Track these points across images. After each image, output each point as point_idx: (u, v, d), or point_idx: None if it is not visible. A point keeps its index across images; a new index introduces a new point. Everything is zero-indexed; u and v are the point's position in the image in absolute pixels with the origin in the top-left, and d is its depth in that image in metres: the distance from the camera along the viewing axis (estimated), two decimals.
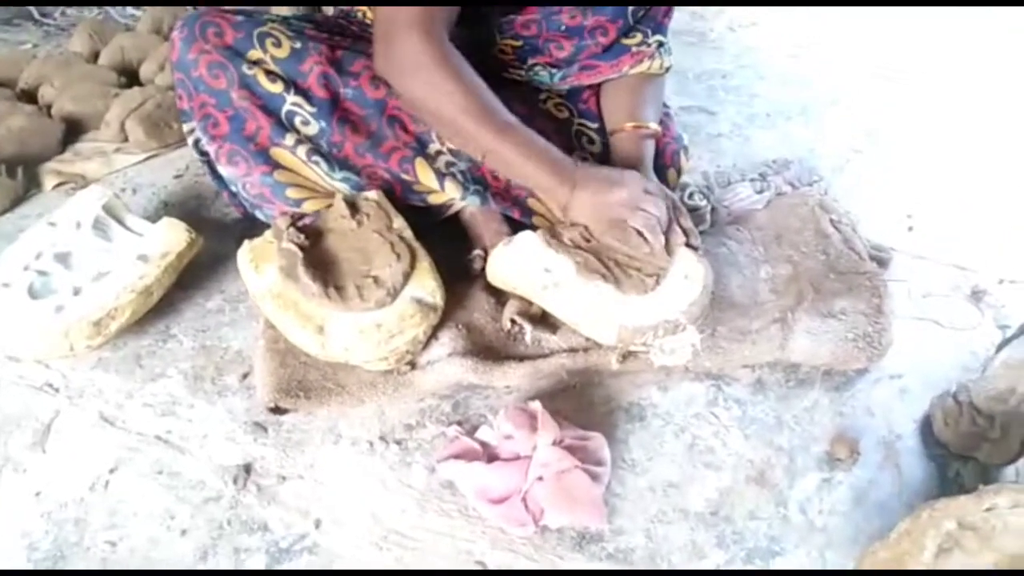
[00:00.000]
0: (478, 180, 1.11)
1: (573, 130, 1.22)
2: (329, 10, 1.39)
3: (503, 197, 1.12)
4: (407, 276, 1.00)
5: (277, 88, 1.05)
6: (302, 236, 1.03)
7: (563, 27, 1.13)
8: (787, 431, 0.98)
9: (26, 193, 1.33)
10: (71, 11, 2.06)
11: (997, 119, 1.71)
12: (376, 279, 0.98)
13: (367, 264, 1.01)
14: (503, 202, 1.12)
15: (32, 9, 2.05)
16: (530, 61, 1.18)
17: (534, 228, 1.10)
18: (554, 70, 1.19)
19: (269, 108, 1.06)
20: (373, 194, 1.11)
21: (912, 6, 2.20)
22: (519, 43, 1.15)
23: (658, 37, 1.19)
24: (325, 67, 1.06)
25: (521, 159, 1.01)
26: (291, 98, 1.05)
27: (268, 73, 1.05)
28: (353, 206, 1.08)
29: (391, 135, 1.09)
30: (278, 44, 1.06)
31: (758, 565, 0.83)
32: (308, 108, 1.06)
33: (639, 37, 1.18)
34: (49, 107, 1.50)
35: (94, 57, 1.71)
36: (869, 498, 0.90)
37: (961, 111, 1.74)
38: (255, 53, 1.05)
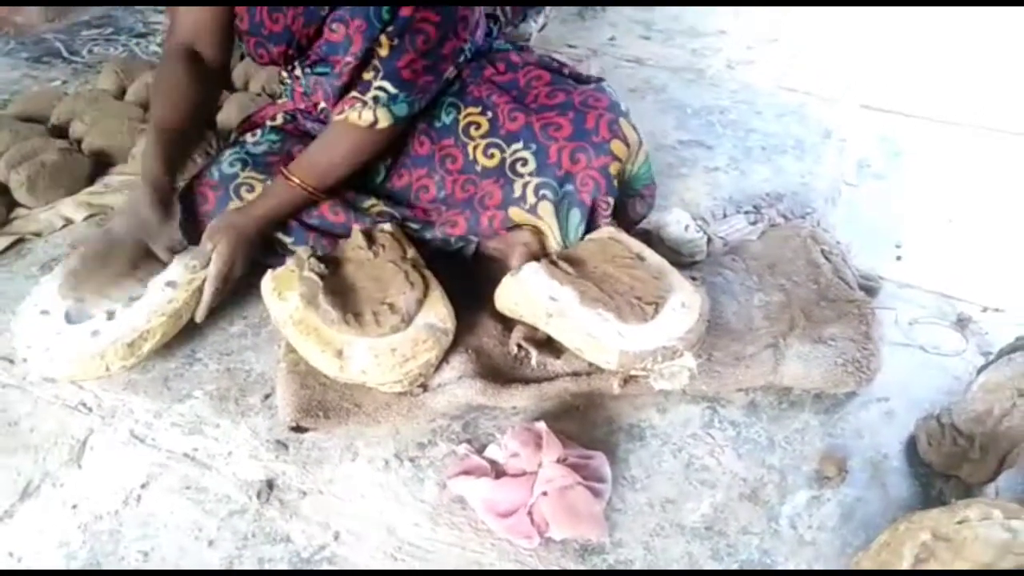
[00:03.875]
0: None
1: (507, 167, 1.21)
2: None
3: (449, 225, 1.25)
4: (420, 303, 1.07)
5: None
6: (322, 265, 1.10)
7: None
8: (779, 451, 1.03)
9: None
10: (97, 49, 2.16)
11: (984, 153, 1.78)
12: (391, 306, 1.05)
13: (383, 292, 1.08)
14: (441, 223, 1.26)
15: (61, 47, 2.15)
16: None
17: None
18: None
19: None
20: (388, 226, 1.19)
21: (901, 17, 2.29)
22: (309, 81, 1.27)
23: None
24: None
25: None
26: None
27: None
28: (370, 237, 1.15)
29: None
30: (251, 189, 1.22)
31: None
32: (287, 239, 1.22)
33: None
34: (79, 142, 1.58)
35: (121, 93, 1.79)
36: (856, 514, 0.95)
37: (948, 145, 1.81)
38: (233, 205, 1.21)
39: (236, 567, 0.88)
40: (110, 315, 1.07)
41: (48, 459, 0.99)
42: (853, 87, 2.06)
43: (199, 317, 1.14)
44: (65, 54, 2.12)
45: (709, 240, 1.37)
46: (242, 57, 1.95)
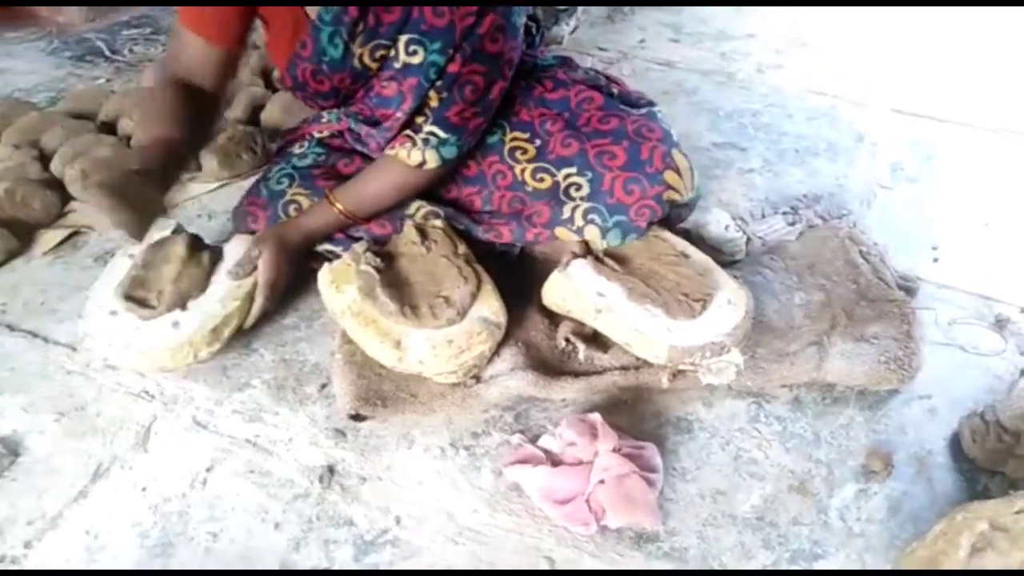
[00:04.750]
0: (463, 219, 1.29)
1: (561, 191, 1.23)
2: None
3: (486, 224, 1.28)
4: (474, 297, 1.10)
5: None
6: (377, 259, 1.13)
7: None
8: (825, 445, 1.05)
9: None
10: (138, 48, 2.21)
11: (1016, 157, 1.80)
12: (447, 299, 1.08)
13: (437, 286, 1.11)
14: (486, 228, 1.27)
15: (103, 46, 2.19)
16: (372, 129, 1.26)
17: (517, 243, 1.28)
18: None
19: None
20: (440, 222, 1.21)
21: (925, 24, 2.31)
22: (358, 127, 1.30)
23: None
24: None
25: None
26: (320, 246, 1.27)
27: None
28: (422, 233, 1.18)
29: None
30: (300, 208, 1.25)
31: (802, 566, 0.91)
32: (335, 248, 1.25)
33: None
34: (128, 138, 1.62)
35: None
36: (903, 508, 0.97)
37: (980, 149, 1.83)
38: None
39: (302, 549, 0.91)
40: (183, 306, 1.10)
41: (115, 443, 1.03)
42: (883, 91, 2.08)
43: (248, 324, 1.16)
44: (107, 53, 2.17)
45: (748, 240, 1.39)
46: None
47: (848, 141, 1.84)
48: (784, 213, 1.48)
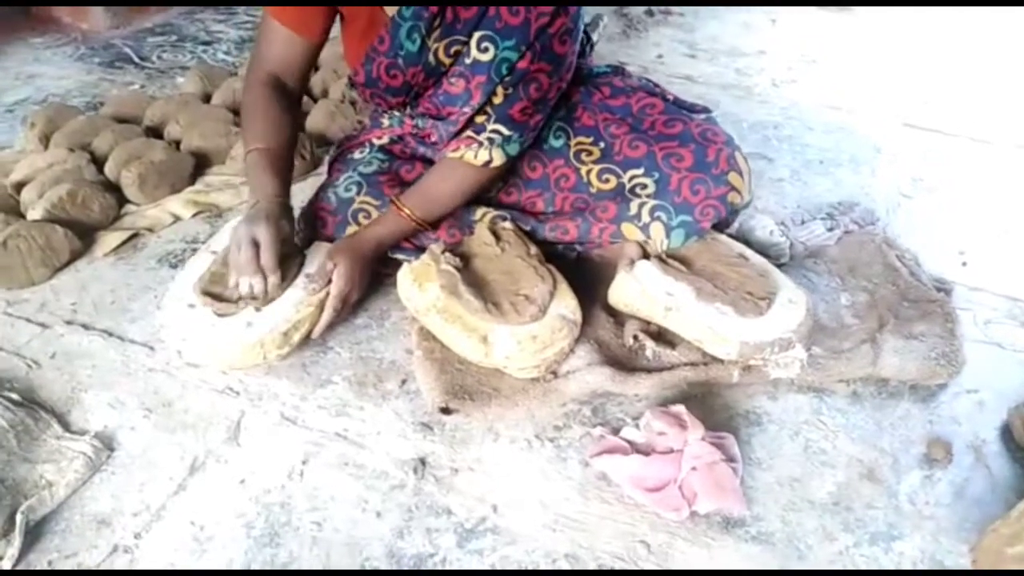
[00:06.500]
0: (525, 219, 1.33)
1: (626, 190, 1.28)
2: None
3: (550, 222, 1.31)
4: (551, 295, 1.14)
5: None
6: (456, 259, 1.16)
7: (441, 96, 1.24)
8: (887, 436, 1.11)
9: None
10: (166, 55, 2.22)
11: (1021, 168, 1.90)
12: (527, 297, 1.12)
13: (515, 284, 1.15)
14: (552, 227, 1.31)
15: (131, 53, 2.20)
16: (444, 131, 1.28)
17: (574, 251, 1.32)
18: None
19: None
20: (509, 224, 1.26)
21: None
22: (424, 123, 1.32)
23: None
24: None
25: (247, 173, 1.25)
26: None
27: None
28: (495, 234, 1.22)
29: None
30: (368, 216, 1.28)
31: (881, 547, 0.96)
32: (406, 258, 1.26)
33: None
34: (177, 143, 1.64)
35: (206, 98, 1.85)
36: (967, 493, 1.03)
37: (988, 160, 1.92)
38: (351, 230, 1.28)
39: (406, 537, 0.94)
40: (258, 308, 1.12)
41: (208, 437, 1.05)
42: (892, 106, 2.17)
43: (316, 334, 1.17)
44: (136, 59, 2.18)
45: (791, 244, 1.46)
46: (317, 69, 2.02)
47: (867, 153, 1.92)
48: (823, 219, 1.55)
